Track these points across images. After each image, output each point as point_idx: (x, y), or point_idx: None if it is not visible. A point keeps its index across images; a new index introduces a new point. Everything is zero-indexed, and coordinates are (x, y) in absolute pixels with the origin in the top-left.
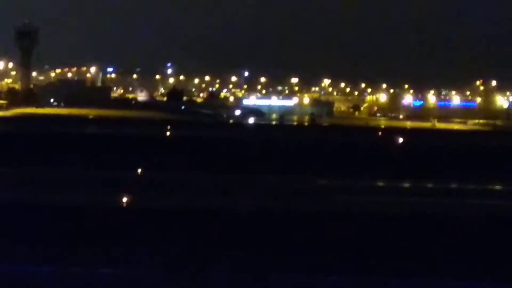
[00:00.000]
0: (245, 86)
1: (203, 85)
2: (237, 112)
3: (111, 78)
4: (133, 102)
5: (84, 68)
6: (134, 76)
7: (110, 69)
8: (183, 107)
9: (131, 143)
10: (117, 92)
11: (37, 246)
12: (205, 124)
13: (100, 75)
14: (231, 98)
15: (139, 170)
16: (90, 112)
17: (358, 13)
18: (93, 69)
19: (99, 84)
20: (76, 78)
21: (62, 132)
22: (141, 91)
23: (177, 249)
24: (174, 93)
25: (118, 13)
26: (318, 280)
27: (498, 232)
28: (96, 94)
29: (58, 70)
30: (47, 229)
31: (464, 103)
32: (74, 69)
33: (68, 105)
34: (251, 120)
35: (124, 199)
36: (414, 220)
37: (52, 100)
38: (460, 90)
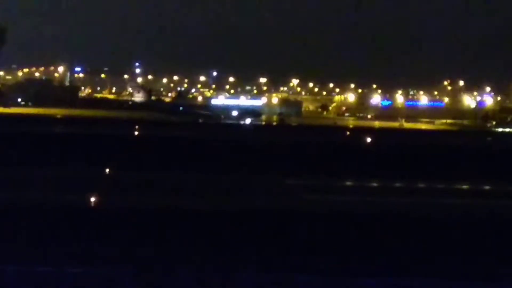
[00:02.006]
0: (214, 86)
1: (172, 85)
2: (234, 113)
3: (79, 78)
4: (130, 102)
5: (52, 68)
6: (102, 75)
7: (78, 69)
8: (181, 108)
9: (98, 143)
10: (85, 91)
11: (3, 245)
12: (202, 124)
13: (68, 74)
14: (200, 98)
15: (107, 170)
16: (58, 112)
17: (325, 13)
18: (61, 69)
19: (67, 83)
20: (44, 77)
21: (29, 131)
22: (138, 91)
23: (144, 249)
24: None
25: (85, 13)
26: (284, 279)
27: (465, 230)
28: (64, 94)
29: (25, 70)
30: (13, 228)
31: (432, 103)
32: (42, 68)
33: (36, 104)
34: (248, 121)
35: (93, 199)
36: (380, 219)
37: (19, 99)
38: (428, 90)
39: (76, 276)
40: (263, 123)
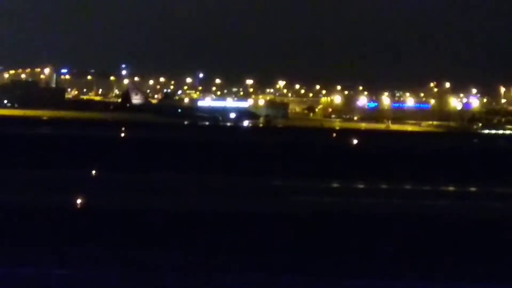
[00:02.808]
0: (200, 88)
1: (158, 86)
2: (232, 115)
3: (65, 79)
4: (128, 105)
5: (38, 69)
6: (89, 77)
7: (64, 70)
8: (179, 110)
9: (83, 144)
10: (71, 93)
11: None
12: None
13: (54, 76)
14: (186, 100)
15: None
16: (44, 113)
17: (311, 15)
18: (47, 70)
19: (53, 85)
20: (30, 79)
21: (15, 133)
22: (136, 94)
23: (129, 250)
24: (128, 95)
25: (72, 14)
26: (268, 279)
27: (453, 230)
28: (50, 95)
29: (11, 71)
30: None
31: (418, 105)
32: (28, 70)
33: (22, 106)
34: (246, 123)
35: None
36: (366, 220)
37: (5, 101)
38: (414, 92)
39: (61, 277)
40: (250, 124)
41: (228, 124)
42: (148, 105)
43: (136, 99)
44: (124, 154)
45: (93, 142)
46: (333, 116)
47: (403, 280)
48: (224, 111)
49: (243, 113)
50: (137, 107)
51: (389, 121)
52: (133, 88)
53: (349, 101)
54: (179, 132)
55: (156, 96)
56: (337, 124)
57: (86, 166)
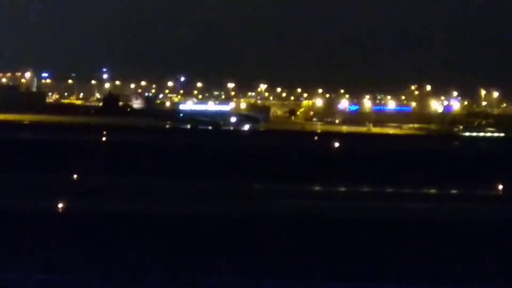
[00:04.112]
0: (182, 91)
1: (139, 90)
2: (233, 119)
3: (46, 83)
4: (129, 109)
5: (19, 74)
6: (70, 81)
7: (45, 74)
8: (181, 115)
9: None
10: (52, 97)
11: None
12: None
13: (35, 80)
14: (168, 103)
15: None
16: (25, 118)
17: (293, 19)
18: (27, 74)
19: (34, 89)
20: (10, 83)
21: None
22: (137, 98)
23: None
24: (110, 98)
25: (52, 17)
26: (247, 284)
27: (431, 232)
28: (31, 100)
29: None
30: None
31: (399, 108)
32: (9, 74)
33: (2, 110)
34: (246, 127)
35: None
36: (347, 223)
37: None
38: (395, 95)
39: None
40: (231, 128)
41: (230, 128)
42: (149, 109)
43: (136, 104)
44: (101, 158)
45: (82, 147)
46: (314, 119)
47: (380, 282)
48: (227, 116)
49: (243, 117)
50: (139, 112)
51: (371, 124)
52: (135, 92)
53: (330, 104)
54: (173, 136)
55: (137, 100)
56: (319, 127)
57: (66, 170)
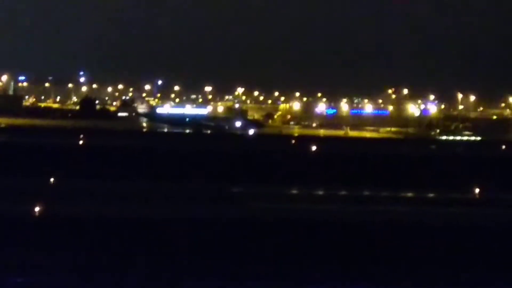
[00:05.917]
0: (159, 95)
1: (117, 94)
2: (238, 124)
3: (23, 87)
4: (134, 114)
5: None
6: (46, 84)
7: (22, 78)
8: (187, 119)
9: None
10: (29, 100)
11: None
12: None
13: (12, 83)
14: (145, 107)
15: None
16: (1, 121)
17: (271, 22)
18: (4, 78)
19: (10, 92)
20: None
21: None
22: (142, 102)
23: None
24: (87, 102)
25: (29, 20)
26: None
27: (410, 236)
28: (7, 103)
29: None
30: None
31: (377, 111)
32: None
33: None
34: (251, 131)
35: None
36: (325, 226)
37: None
38: (372, 98)
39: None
40: (209, 131)
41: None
42: (154, 114)
43: (141, 108)
44: (82, 161)
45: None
46: (291, 122)
47: (357, 285)
48: (230, 120)
49: (247, 121)
50: (143, 116)
51: (348, 128)
52: (139, 97)
53: (307, 108)
54: (154, 139)
55: (114, 103)
56: (296, 130)
57: (43, 174)
